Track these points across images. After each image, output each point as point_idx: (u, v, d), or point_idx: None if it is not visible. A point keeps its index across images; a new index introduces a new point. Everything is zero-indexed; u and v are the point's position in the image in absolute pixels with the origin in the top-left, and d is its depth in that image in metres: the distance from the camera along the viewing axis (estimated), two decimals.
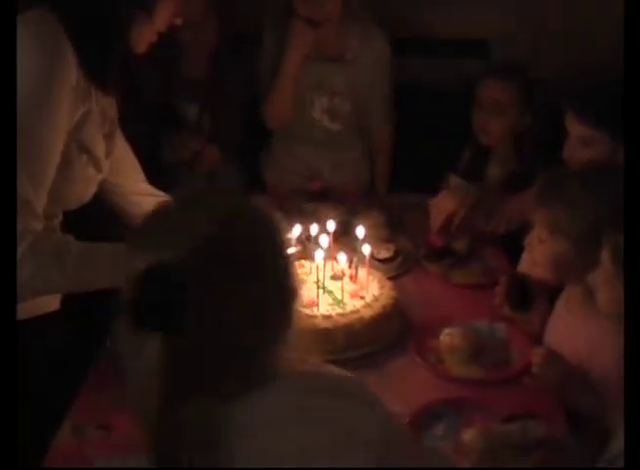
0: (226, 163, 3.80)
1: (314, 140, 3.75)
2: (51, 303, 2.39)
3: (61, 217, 2.40)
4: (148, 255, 1.39)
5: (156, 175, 3.68)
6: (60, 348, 2.50)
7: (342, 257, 2.73)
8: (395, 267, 3.00)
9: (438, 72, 4.24)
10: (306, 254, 2.79)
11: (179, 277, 1.37)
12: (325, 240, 2.75)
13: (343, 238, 3.02)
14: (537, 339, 2.58)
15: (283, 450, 1.50)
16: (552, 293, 2.58)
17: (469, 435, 2.12)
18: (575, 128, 2.78)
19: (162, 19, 2.13)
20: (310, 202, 3.44)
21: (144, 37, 2.19)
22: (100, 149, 2.31)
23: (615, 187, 2.23)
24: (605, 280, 2.00)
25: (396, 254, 3.05)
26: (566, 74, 3.68)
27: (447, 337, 2.53)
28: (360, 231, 2.85)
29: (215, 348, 1.44)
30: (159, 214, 1.52)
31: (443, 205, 3.12)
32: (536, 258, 2.50)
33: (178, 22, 2.07)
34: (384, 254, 3.02)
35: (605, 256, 1.95)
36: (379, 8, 3.88)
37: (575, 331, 2.35)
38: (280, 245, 1.53)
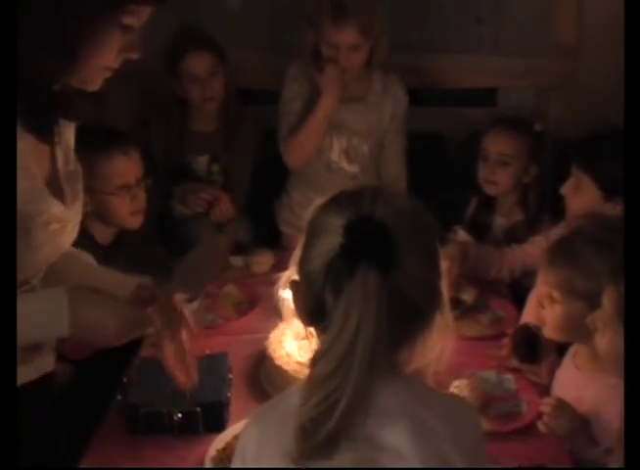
0: (238, 214, 3.84)
1: (332, 184, 3.68)
2: (45, 364, 2.29)
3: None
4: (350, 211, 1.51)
5: (170, 229, 3.76)
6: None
7: None
8: None
9: (447, 122, 4.29)
10: None
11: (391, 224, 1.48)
12: None
13: None
14: (545, 391, 2.59)
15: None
16: (561, 345, 2.59)
17: None
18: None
19: (106, 56, 1.95)
20: None
21: (88, 76, 1.99)
22: (55, 204, 2.06)
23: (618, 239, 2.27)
24: (605, 323, 2.02)
25: None
26: (570, 127, 3.72)
27: (455, 389, 2.53)
28: None
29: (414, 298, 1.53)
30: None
31: None
32: (545, 317, 2.51)
33: (134, 57, 2.00)
34: None
35: (605, 298, 1.96)
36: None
37: (583, 387, 2.37)
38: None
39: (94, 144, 2.91)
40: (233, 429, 2.40)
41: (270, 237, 3.91)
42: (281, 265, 3.41)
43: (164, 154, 3.79)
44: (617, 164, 2.79)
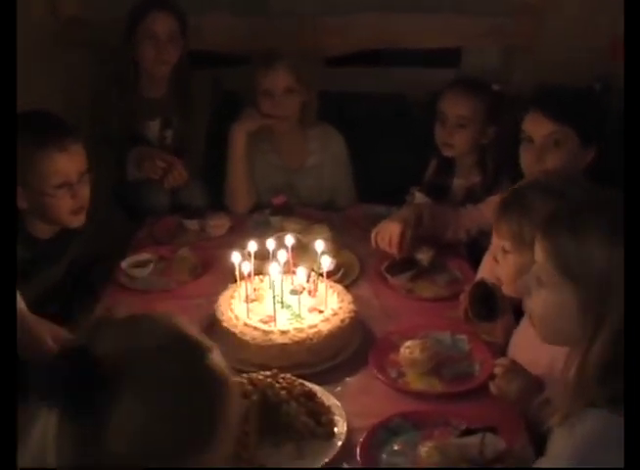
0: (194, 177, 3.78)
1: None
2: None
3: None
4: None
5: (125, 195, 3.71)
6: None
7: (301, 271, 2.69)
8: (336, 281, 2.91)
9: (409, 83, 4.23)
10: (265, 269, 2.73)
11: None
12: (283, 255, 2.71)
13: (301, 252, 3.00)
14: (501, 351, 2.55)
15: None
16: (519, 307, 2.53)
17: (425, 449, 2.09)
18: (543, 126, 2.76)
19: None
20: (275, 215, 3.41)
21: None
22: None
23: (574, 191, 2.22)
24: (538, 282, 1.86)
25: (337, 268, 3.00)
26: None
27: (407, 350, 2.49)
28: (319, 245, 2.81)
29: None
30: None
31: (386, 232, 3.10)
32: (499, 271, 2.47)
33: None
34: None
35: (537, 251, 1.85)
36: (352, 16, 3.94)
37: (539, 347, 2.30)
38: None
39: (33, 137, 2.71)
40: None
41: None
42: (236, 228, 3.38)
43: (118, 121, 3.72)
44: (591, 109, 2.77)
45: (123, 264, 3.12)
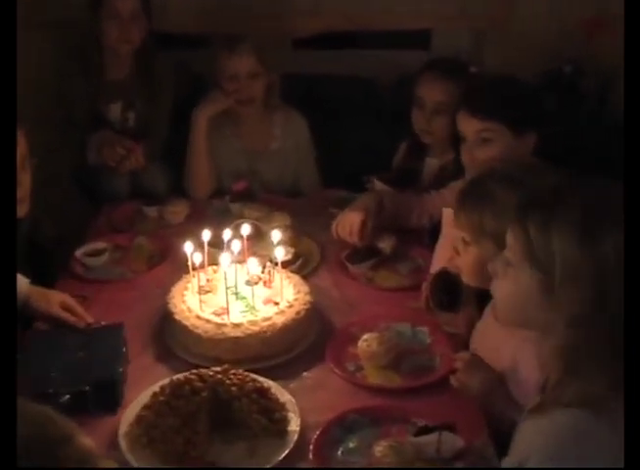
0: (153, 162, 3.71)
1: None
2: None
3: None
4: None
5: (84, 178, 3.62)
6: None
7: (253, 262, 2.60)
8: (294, 271, 2.82)
9: (378, 66, 4.15)
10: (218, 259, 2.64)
11: None
12: (237, 245, 2.62)
13: (260, 240, 2.93)
14: (463, 344, 2.47)
15: None
16: (482, 299, 2.46)
17: (379, 449, 2.02)
18: (471, 124, 2.69)
19: None
20: (234, 202, 3.33)
21: None
22: None
23: (530, 178, 2.14)
24: (506, 266, 1.79)
25: (296, 256, 2.92)
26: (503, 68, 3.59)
27: (365, 343, 2.42)
28: (275, 235, 2.72)
29: None
30: None
31: (347, 221, 3.02)
32: (459, 262, 2.40)
33: None
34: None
35: (509, 238, 1.79)
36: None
37: (502, 340, 2.23)
38: None
39: None
40: (141, 399, 2.24)
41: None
42: (195, 215, 3.30)
43: (82, 102, 3.62)
44: (518, 100, 2.70)
45: (78, 253, 3.02)
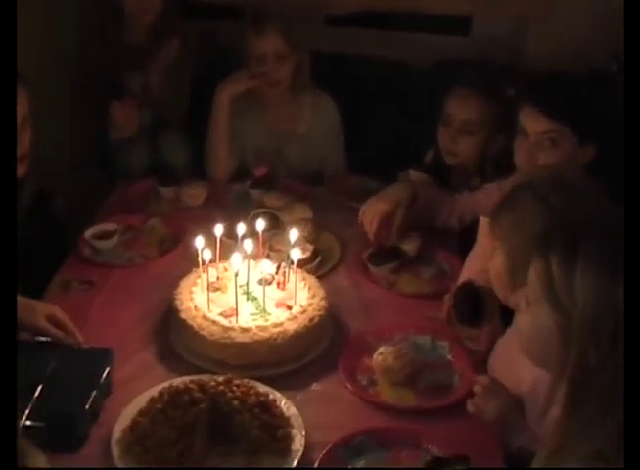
0: (174, 135, 3.61)
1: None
2: None
3: None
4: None
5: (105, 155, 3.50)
6: None
7: (267, 264, 2.46)
8: (312, 270, 2.69)
9: (414, 49, 3.97)
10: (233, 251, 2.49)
11: None
12: (249, 243, 2.48)
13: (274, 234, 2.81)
14: (482, 360, 2.33)
15: None
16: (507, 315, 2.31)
17: None
18: (538, 123, 2.50)
19: None
20: (255, 188, 3.18)
21: None
22: None
23: (563, 200, 2.00)
24: (528, 301, 1.70)
25: (315, 254, 2.76)
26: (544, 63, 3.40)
27: (380, 357, 2.27)
28: (293, 234, 2.57)
29: None
30: None
31: (375, 209, 2.86)
32: (491, 272, 2.25)
33: None
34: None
35: (531, 272, 1.68)
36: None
37: (523, 363, 2.08)
38: None
39: None
40: (137, 401, 2.11)
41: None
42: (214, 199, 3.17)
43: (100, 72, 3.49)
44: (589, 104, 2.52)
45: (87, 234, 2.89)
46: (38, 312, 2.35)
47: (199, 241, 2.45)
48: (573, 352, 1.55)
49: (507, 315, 2.26)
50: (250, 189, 3.20)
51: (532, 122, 2.52)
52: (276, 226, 2.86)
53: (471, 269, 2.53)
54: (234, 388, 2.06)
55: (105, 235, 2.90)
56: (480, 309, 2.35)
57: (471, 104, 3.01)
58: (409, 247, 2.82)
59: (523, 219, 2.03)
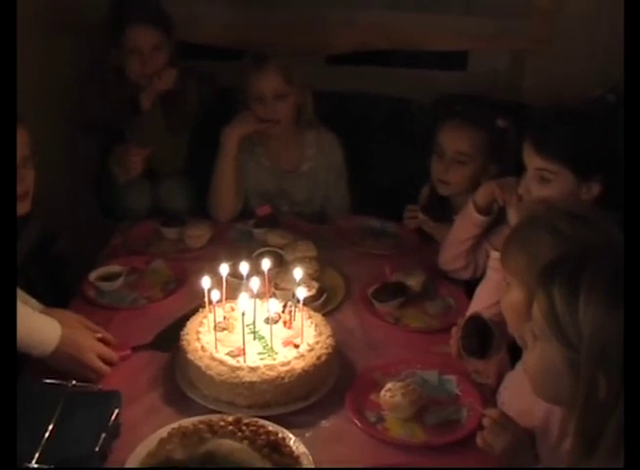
0: (175, 177, 3.62)
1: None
2: None
3: None
4: None
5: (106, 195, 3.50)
6: None
7: (274, 302, 2.46)
8: (318, 307, 2.68)
9: (415, 85, 4.00)
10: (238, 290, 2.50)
11: None
12: (256, 282, 2.48)
13: (279, 272, 2.81)
14: (491, 394, 2.33)
15: None
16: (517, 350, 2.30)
17: None
18: (532, 160, 2.52)
19: None
20: (258, 228, 3.19)
21: None
22: None
23: (582, 231, 1.99)
24: (534, 337, 1.72)
25: (320, 292, 2.76)
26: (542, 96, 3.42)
27: (387, 393, 2.27)
28: (298, 273, 2.58)
29: None
30: None
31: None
32: (503, 304, 2.24)
33: None
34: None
35: (535, 307, 1.69)
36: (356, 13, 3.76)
37: (533, 396, 2.08)
38: None
39: None
40: (147, 444, 2.10)
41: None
42: (217, 239, 3.17)
43: (105, 109, 3.47)
44: (587, 140, 2.52)
45: (92, 276, 2.89)
46: (85, 347, 2.42)
47: (205, 281, 2.45)
48: (582, 384, 1.56)
49: (517, 350, 2.26)
50: (253, 228, 3.20)
51: (527, 158, 2.55)
52: (280, 264, 2.86)
53: (479, 303, 2.54)
54: (243, 427, 2.06)
55: (110, 277, 2.90)
56: (488, 342, 2.35)
57: (462, 135, 3.05)
58: (413, 282, 2.83)
59: (537, 253, 2.00)
